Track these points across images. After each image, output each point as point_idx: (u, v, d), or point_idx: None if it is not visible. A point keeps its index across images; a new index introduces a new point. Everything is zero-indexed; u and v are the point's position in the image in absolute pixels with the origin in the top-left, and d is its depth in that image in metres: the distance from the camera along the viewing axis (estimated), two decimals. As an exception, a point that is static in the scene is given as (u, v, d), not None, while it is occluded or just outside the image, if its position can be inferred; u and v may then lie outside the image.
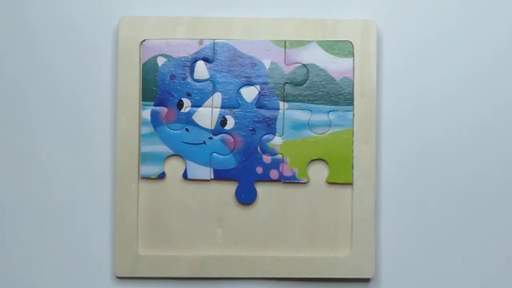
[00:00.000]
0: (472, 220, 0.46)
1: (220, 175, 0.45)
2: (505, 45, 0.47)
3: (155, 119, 0.46)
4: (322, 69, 0.46)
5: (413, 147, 0.46)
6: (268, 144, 0.45)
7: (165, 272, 0.45)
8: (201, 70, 0.46)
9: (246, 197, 0.45)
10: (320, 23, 0.46)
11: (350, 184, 0.45)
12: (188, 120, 0.46)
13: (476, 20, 0.47)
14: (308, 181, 0.45)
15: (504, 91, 0.47)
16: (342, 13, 0.46)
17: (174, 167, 0.46)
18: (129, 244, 0.45)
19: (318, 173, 0.45)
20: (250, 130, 0.45)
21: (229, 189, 0.45)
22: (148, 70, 0.46)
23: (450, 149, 0.46)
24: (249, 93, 0.46)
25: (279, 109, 0.46)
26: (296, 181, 0.45)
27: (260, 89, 0.46)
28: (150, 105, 0.46)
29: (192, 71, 0.46)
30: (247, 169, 0.45)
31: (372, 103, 0.45)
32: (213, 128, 0.46)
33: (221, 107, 0.46)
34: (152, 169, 0.45)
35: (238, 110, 0.46)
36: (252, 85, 0.46)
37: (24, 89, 0.47)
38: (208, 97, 0.46)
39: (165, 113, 0.46)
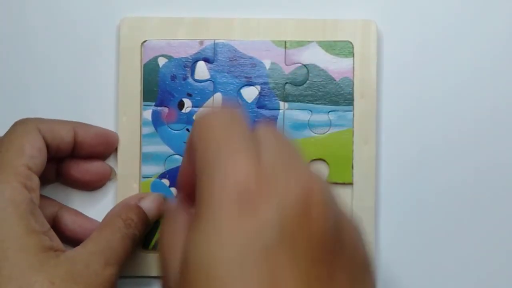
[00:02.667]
0: (472, 221, 0.46)
1: (221, 175, 0.45)
2: (507, 46, 0.47)
3: (156, 120, 0.46)
4: (322, 69, 0.46)
5: (413, 147, 0.46)
6: (268, 144, 0.46)
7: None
8: (202, 70, 0.46)
9: (246, 197, 0.45)
10: (320, 23, 0.46)
11: (350, 184, 0.45)
12: (189, 120, 0.46)
13: (477, 20, 0.47)
14: (308, 181, 0.45)
15: (506, 92, 0.46)
16: (342, 13, 0.47)
17: (175, 167, 0.46)
18: (130, 244, 0.45)
19: (318, 173, 0.45)
20: (251, 130, 0.46)
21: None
22: (149, 71, 0.46)
23: (450, 149, 0.46)
24: (250, 93, 0.46)
25: (279, 109, 0.46)
26: (296, 181, 0.45)
27: (261, 89, 0.46)
28: (151, 106, 0.46)
29: (192, 72, 0.46)
30: (247, 169, 0.45)
31: (372, 103, 0.45)
32: (213, 128, 0.46)
33: (222, 107, 0.46)
34: (153, 169, 0.46)
35: (239, 110, 0.46)
36: (253, 85, 0.46)
37: (24, 89, 0.47)
38: (209, 97, 0.46)
39: (166, 114, 0.46)
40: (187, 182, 0.34)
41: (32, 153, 0.39)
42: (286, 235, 0.28)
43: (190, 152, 0.33)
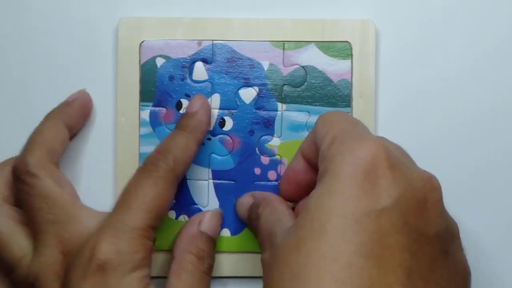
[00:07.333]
0: (472, 219, 0.46)
1: (219, 176, 0.46)
2: (506, 46, 0.47)
3: (154, 120, 0.46)
4: (320, 71, 0.46)
5: (411, 147, 0.46)
6: (266, 145, 0.46)
7: (166, 271, 0.45)
8: (200, 71, 0.46)
9: (244, 198, 0.45)
10: (319, 23, 0.46)
11: (348, 185, 0.45)
12: (187, 121, 0.46)
13: (476, 21, 0.47)
14: (306, 182, 0.45)
15: (504, 92, 0.46)
16: (340, 14, 0.46)
17: (172, 167, 0.46)
18: (128, 244, 0.45)
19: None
20: (249, 131, 0.46)
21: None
22: (147, 71, 0.46)
23: (448, 149, 0.46)
24: (248, 95, 0.46)
25: (277, 110, 0.46)
26: (294, 182, 0.45)
27: (259, 91, 0.46)
28: (149, 106, 0.46)
29: (190, 72, 0.46)
30: (245, 170, 0.46)
31: (370, 104, 0.45)
32: (211, 129, 0.46)
33: (220, 108, 0.46)
34: (151, 170, 0.46)
35: (237, 111, 0.46)
36: (251, 86, 0.46)
37: (22, 89, 0.47)
38: (207, 98, 0.46)
39: (164, 114, 0.46)
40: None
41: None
42: (400, 223, 0.32)
43: (311, 142, 0.38)
